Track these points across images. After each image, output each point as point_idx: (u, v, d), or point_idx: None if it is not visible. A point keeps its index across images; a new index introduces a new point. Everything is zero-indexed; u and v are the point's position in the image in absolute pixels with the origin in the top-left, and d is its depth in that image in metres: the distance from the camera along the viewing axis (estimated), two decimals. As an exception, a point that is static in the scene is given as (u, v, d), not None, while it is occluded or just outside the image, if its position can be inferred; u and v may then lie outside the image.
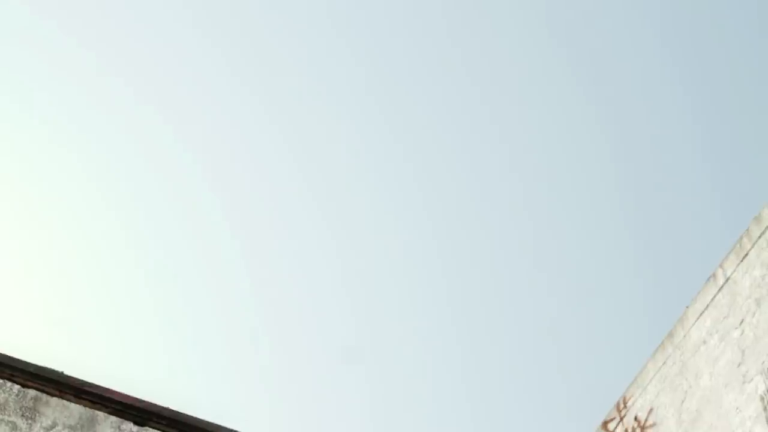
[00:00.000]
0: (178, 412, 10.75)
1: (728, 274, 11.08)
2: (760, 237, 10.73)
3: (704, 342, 11.14)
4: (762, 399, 9.86)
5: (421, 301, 30.09)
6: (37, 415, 10.07)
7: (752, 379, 10.10)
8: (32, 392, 10.20)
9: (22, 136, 26.94)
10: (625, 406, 12.43)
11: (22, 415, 10.01)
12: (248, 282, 29.51)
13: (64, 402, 10.30)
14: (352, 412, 28.84)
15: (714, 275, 11.31)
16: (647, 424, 11.78)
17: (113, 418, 10.38)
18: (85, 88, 28.29)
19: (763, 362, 10.02)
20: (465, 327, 29.77)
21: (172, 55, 29.11)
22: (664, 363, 11.80)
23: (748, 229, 10.98)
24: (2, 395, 10.28)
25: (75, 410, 10.27)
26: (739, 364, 10.40)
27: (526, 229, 29.67)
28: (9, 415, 10.17)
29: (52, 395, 10.28)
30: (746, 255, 10.87)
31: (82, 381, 10.52)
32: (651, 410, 11.81)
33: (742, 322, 10.59)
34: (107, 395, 10.54)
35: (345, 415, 28.47)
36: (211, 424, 10.85)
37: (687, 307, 11.69)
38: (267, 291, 29.74)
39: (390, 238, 30.10)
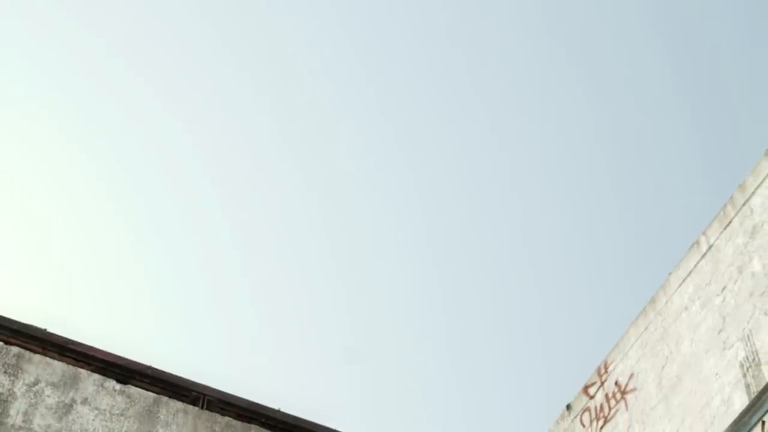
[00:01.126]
0: (160, 371, 10.77)
1: (711, 241, 11.12)
2: (743, 205, 10.76)
3: (686, 308, 11.20)
4: (742, 365, 9.93)
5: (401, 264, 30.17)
6: (20, 372, 10.07)
7: (732, 346, 10.17)
8: (15, 349, 10.19)
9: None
10: (606, 371, 12.50)
11: (5, 372, 10.01)
12: (230, 237, 29.48)
13: (47, 359, 10.30)
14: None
15: (697, 242, 11.36)
16: (627, 388, 11.86)
17: (96, 376, 10.40)
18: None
19: (744, 329, 10.08)
20: (450, 293, 29.86)
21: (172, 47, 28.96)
22: (646, 329, 11.87)
23: (731, 198, 11.02)
24: (-15, 352, 10.28)
25: (58, 367, 10.27)
26: (719, 331, 10.46)
27: (512, 197, 29.71)
28: (-8, 372, 10.17)
29: (35, 352, 10.28)
30: (729, 223, 10.91)
31: (66, 339, 10.52)
32: (632, 375, 11.88)
33: (723, 289, 10.64)
34: (90, 353, 10.55)
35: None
36: (194, 383, 10.88)
37: (670, 273, 11.74)
38: (249, 247, 29.73)
39: (382, 232, 30.16)
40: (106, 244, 28.52)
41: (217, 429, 10.59)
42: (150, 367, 10.75)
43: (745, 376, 9.83)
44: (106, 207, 28.51)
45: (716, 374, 10.28)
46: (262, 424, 10.92)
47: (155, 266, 28.64)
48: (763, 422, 9.37)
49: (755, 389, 9.59)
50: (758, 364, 9.69)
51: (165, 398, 10.58)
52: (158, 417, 10.37)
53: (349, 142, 29.73)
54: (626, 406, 11.77)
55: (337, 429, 11.33)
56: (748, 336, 9.98)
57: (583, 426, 12.59)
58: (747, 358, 9.88)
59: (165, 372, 10.81)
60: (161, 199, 29.07)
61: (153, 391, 10.59)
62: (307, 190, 29.65)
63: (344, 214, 30.12)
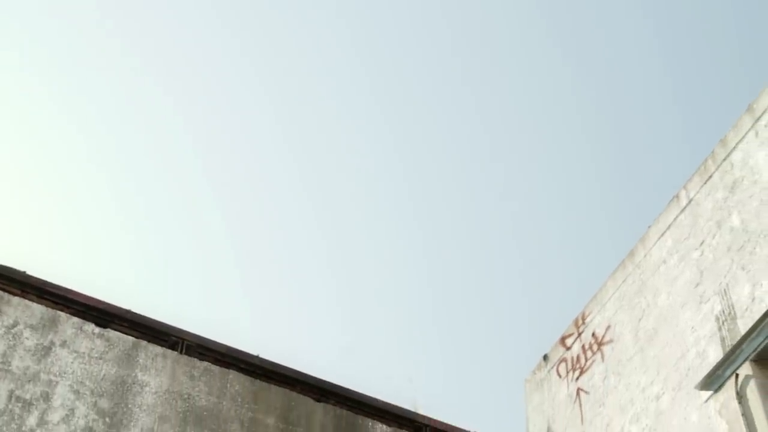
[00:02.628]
0: (139, 315, 10.80)
1: (691, 195, 11.15)
2: (724, 160, 10.78)
3: (664, 262, 11.26)
4: (717, 319, 10.01)
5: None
6: (-1, 313, 10.07)
7: (709, 300, 10.24)
8: (-6, 291, 10.19)
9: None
10: (583, 323, 12.58)
11: (-16, 314, 10.01)
12: (210, 183, 29.41)
13: (26, 302, 10.30)
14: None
15: (677, 196, 11.39)
16: (604, 340, 11.95)
17: (75, 319, 10.41)
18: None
19: (720, 283, 10.15)
20: (431, 242, 29.91)
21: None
22: (624, 281, 11.93)
23: (713, 152, 11.03)
24: (-37, 293, 10.25)
25: (37, 310, 10.27)
26: (697, 285, 10.53)
27: (492, 149, 29.67)
28: (-30, 313, 10.15)
29: (14, 294, 10.27)
30: (710, 177, 10.94)
31: (45, 281, 10.51)
32: (608, 327, 11.96)
33: (702, 243, 10.69)
34: (70, 296, 10.55)
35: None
36: (173, 328, 10.91)
37: (649, 227, 11.78)
38: (230, 192, 29.68)
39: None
40: (88, 188, 28.42)
41: (195, 374, 10.64)
42: (129, 311, 10.77)
43: (720, 329, 9.92)
44: (88, 152, 28.36)
45: (692, 327, 10.36)
46: (241, 370, 10.98)
47: (136, 210, 28.58)
48: (737, 375, 9.47)
49: (730, 342, 9.68)
50: (734, 318, 9.77)
51: (144, 342, 10.62)
52: (137, 361, 10.41)
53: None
54: (602, 357, 11.87)
55: (316, 375, 11.41)
56: (724, 290, 10.05)
57: (560, 376, 12.70)
58: (723, 311, 9.96)
59: (144, 316, 10.84)
60: (145, 146, 28.90)
61: (132, 335, 10.62)
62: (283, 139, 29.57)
63: (324, 163, 30.02)
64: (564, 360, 12.73)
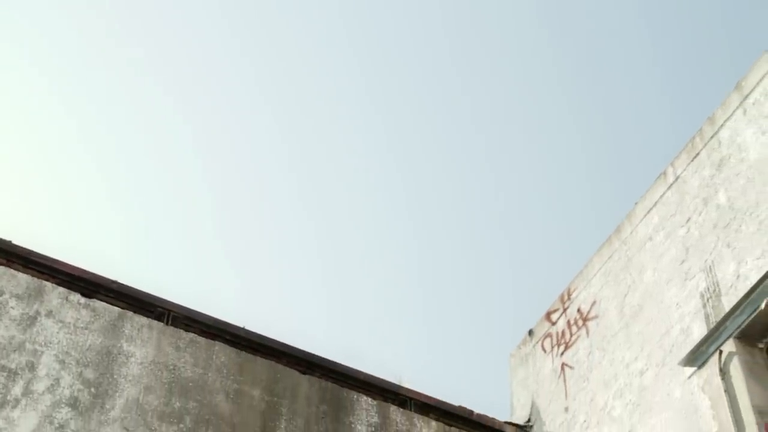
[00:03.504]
0: (126, 286, 10.79)
1: (678, 172, 11.18)
2: (711, 138, 10.80)
3: (650, 238, 11.29)
4: (702, 296, 10.06)
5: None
6: (-16, 282, 10.05)
7: (694, 276, 10.29)
8: (-21, 260, 10.16)
9: None
10: (569, 298, 12.63)
11: (-31, 283, 9.99)
12: (196, 151, 29.35)
13: (12, 271, 10.27)
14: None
15: (664, 173, 11.42)
16: (589, 316, 12.00)
17: (61, 289, 10.39)
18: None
19: (706, 260, 10.19)
20: (418, 216, 29.93)
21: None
22: (610, 257, 11.97)
23: (700, 130, 11.05)
24: (-51, 262, 10.23)
25: (23, 280, 10.25)
26: (682, 261, 10.57)
27: (479, 124, 29.66)
28: (-45, 282, 10.13)
29: (0, 264, 10.25)
30: (697, 155, 10.96)
31: (31, 251, 10.48)
32: (594, 303, 12.02)
33: (688, 220, 10.73)
34: (56, 266, 10.53)
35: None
36: (160, 299, 10.91)
37: (636, 203, 11.81)
38: (216, 162, 29.64)
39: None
40: (74, 157, 28.31)
41: (181, 345, 10.64)
42: (115, 282, 10.75)
43: (705, 306, 9.97)
44: (74, 122, 28.23)
45: (677, 304, 10.41)
46: (227, 342, 10.99)
47: (123, 181, 28.49)
48: (721, 351, 9.53)
49: (714, 319, 9.73)
50: (718, 295, 9.82)
51: (130, 313, 10.61)
52: (123, 331, 10.40)
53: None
54: (587, 332, 11.93)
55: (302, 348, 11.43)
56: (710, 267, 10.10)
57: (544, 351, 12.76)
58: (708, 288, 10.01)
59: (130, 287, 10.82)
60: (133, 118, 28.79)
61: (118, 306, 10.61)
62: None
63: (311, 136, 29.97)
64: (549, 335, 12.79)
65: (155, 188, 28.84)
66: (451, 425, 11.82)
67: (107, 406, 9.75)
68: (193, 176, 29.07)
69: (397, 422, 11.42)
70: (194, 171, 29.17)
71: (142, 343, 10.41)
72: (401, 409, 11.60)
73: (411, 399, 11.79)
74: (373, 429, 11.17)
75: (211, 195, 29.39)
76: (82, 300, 10.43)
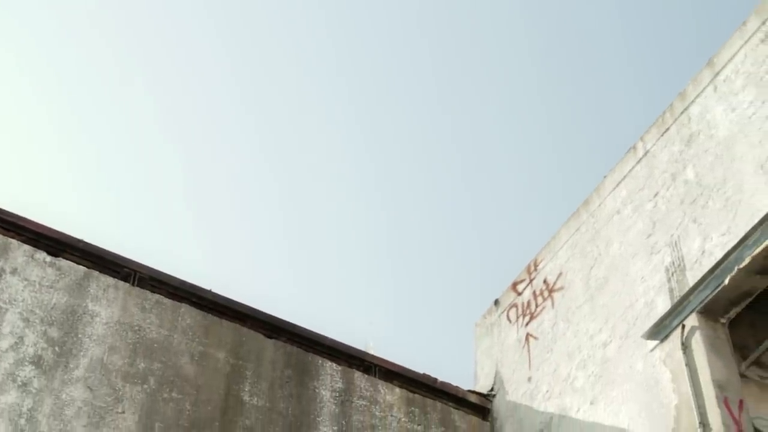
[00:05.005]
0: (92, 245, 10.72)
1: (648, 147, 11.23)
2: (682, 113, 10.85)
3: (618, 212, 11.35)
4: (667, 270, 10.14)
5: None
6: (-51, 238, 9.97)
7: (660, 251, 10.36)
8: (-56, 215, 10.07)
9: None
10: (535, 269, 12.69)
11: (-67, 238, 9.90)
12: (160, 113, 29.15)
13: (-23, 227, 10.19)
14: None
15: (634, 147, 11.46)
16: (555, 287, 12.07)
17: (26, 247, 10.32)
18: None
19: (672, 235, 10.26)
20: (384, 183, 29.92)
21: None
22: (578, 230, 12.03)
23: (671, 105, 11.10)
24: None
25: (-13, 236, 10.17)
26: (648, 236, 10.64)
27: (446, 89, 29.62)
28: None
29: (-35, 220, 10.16)
30: (667, 130, 11.01)
31: (-4, 208, 10.38)
32: (560, 274, 12.08)
33: (656, 195, 10.79)
34: (21, 223, 10.45)
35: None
36: (126, 259, 10.86)
37: (605, 176, 11.86)
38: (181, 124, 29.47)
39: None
40: (41, 114, 28.02)
41: (147, 306, 10.61)
42: (82, 241, 10.69)
43: (669, 280, 10.05)
44: (39, 78, 27.91)
45: (642, 277, 10.49)
46: (193, 304, 10.97)
47: (90, 141, 28.26)
48: (683, 326, 9.63)
49: (678, 294, 9.82)
50: (683, 270, 9.90)
51: (96, 273, 10.56)
52: (88, 291, 10.35)
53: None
54: (553, 304, 12.00)
55: (269, 312, 11.43)
56: (675, 242, 10.17)
57: (510, 321, 12.83)
58: (673, 263, 10.09)
59: (97, 246, 10.76)
60: (98, 77, 28.48)
61: (84, 265, 10.55)
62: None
63: (278, 101, 29.81)
64: (515, 305, 12.86)
65: (123, 149, 28.63)
66: (414, 392, 11.89)
67: (71, 365, 9.71)
68: (160, 139, 28.86)
69: (361, 388, 11.47)
70: (162, 134, 28.96)
71: (107, 303, 10.37)
72: (366, 375, 11.64)
73: (376, 365, 11.84)
74: (337, 394, 11.21)
75: (178, 158, 29.21)
76: (48, 258, 10.37)
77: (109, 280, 10.58)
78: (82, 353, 9.84)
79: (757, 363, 9.75)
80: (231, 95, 29.48)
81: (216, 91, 29.47)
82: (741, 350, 9.70)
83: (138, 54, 28.77)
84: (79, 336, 9.95)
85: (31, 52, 27.55)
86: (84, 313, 10.14)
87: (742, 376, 9.53)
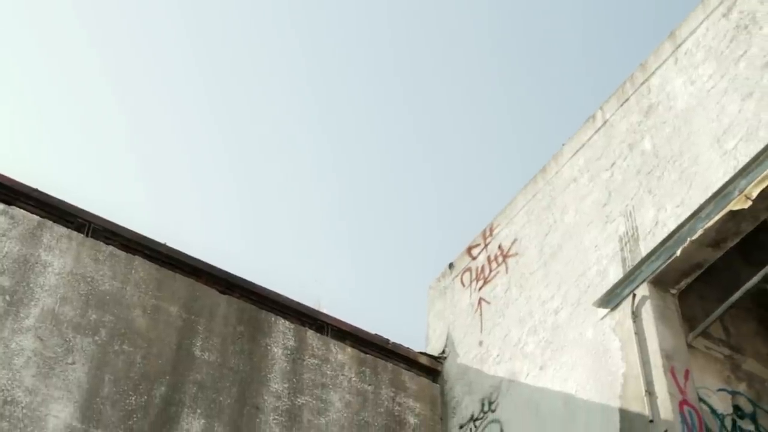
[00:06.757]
0: (46, 194, 10.62)
1: (607, 117, 11.29)
2: (642, 84, 10.91)
3: (575, 180, 11.42)
4: (621, 240, 10.23)
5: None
6: None
7: (614, 220, 10.45)
8: None
9: None
10: (490, 234, 12.76)
11: None
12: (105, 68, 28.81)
13: (-71, 172, 10.05)
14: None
15: (593, 116, 11.52)
16: (510, 253, 12.14)
17: (-21, 194, 10.20)
18: None
19: (627, 205, 10.35)
20: (339, 138, 29.84)
21: None
22: (534, 196, 12.09)
23: (631, 76, 11.15)
24: None
25: (-60, 182, 10.05)
26: (604, 205, 10.73)
27: (400, 55, 29.54)
28: None
29: None
30: (627, 100, 11.07)
31: (-51, 153, 10.23)
32: (515, 240, 12.15)
33: (613, 164, 10.86)
34: (-26, 170, 10.32)
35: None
36: (81, 210, 10.77)
37: (563, 144, 11.91)
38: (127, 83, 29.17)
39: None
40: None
41: (100, 257, 10.54)
42: (36, 190, 10.57)
43: (622, 250, 10.15)
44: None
45: (596, 246, 10.58)
46: (146, 257, 10.91)
47: (42, 88, 27.88)
48: (634, 295, 9.74)
49: (630, 263, 9.92)
50: (636, 240, 10.00)
51: (50, 222, 10.46)
52: (41, 240, 10.26)
53: None
54: (506, 269, 12.08)
55: (223, 268, 11.40)
56: (630, 212, 10.26)
57: (463, 285, 12.90)
58: (626, 233, 10.18)
59: (51, 196, 10.65)
60: (37, 23, 27.91)
61: (38, 215, 10.45)
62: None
63: (225, 49, 29.49)
64: (469, 269, 12.93)
65: (66, 99, 28.14)
66: (366, 353, 11.94)
67: (21, 315, 9.64)
68: (106, 89, 28.42)
69: (313, 347, 11.50)
70: (109, 84, 28.51)
71: (60, 253, 10.29)
72: (318, 334, 11.67)
73: (328, 324, 11.87)
74: (289, 352, 11.23)
75: (125, 108, 28.84)
76: (1, 206, 10.25)
77: (63, 231, 10.48)
78: (33, 303, 9.77)
79: (705, 334, 9.89)
80: (183, 48, 29.12)
81: (165, 43, 29.09)
82: (689, 321, 9.83)
83: (83, 3, 28.28)
84: (31, 286, 9.87)
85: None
86: (36, 263, 10.05)
87: (690, 346, 9.66)
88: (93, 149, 28.02)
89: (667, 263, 9.59)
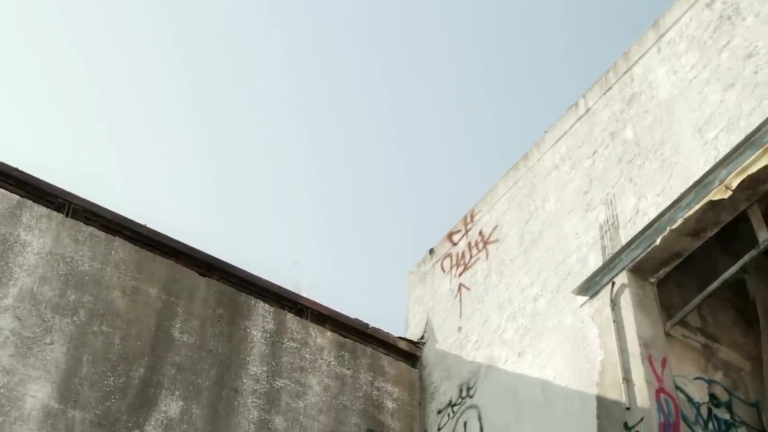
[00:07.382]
0: (26, 174, 10.57)
1: (590, 105, 11.32)
2: (625, 73, 10.94)
3: (556, 167, 11.44)
4: (601, 228, 10.26)
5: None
6: None
7: (595, 208, 10.48)
8: None
9: None
10: (471, 221, 12.78)
11: None
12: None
13: None
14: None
15: (576, 104, 11.54)
16: (490, 239, 12.17)
17: (-42, 172, 10.15)
18: None
19: (608, 193, 10.38)
20: (319, 120, 29.75)
21: None
22: (515, 183, 12.11)
23: (614, 64, 11.18)
24: None
25: None
26: (585, 193, 10.76)
27: (381, 45, 29.49)
28: None
29: None
30: (609, 89, 11.10)
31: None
32: (496, 227, 12.18)
33: (594, 153, 10.89)
34: (-46, 148, 10.24)
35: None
36: (61, 190, 10.73)
37: (546, 132, 11.93)
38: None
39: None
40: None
41: (80, 238, 10.50)
42: (16, 169, 10.52)
43: (602, 238, 10.19)
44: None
45: (576, 234, 10.61)
46: (126, 238, 10.88)
47: (30, 70, 27.71)
48: (613, 283, 9.77)
49: (610, 251, 9.96)
50: (616, 228, 10.04)
51: (29, 202, 10.41)
52: (21, 220, 10.22)
53: None
54: (487, 255, 12.10)
55: (203, 250, 11.38)
56: (611, 200, 10.29)
57: (443, 271, 12.93)
58: (607, 221, 10.22)
59: (31, 175, 10.60)
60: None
61: (17, 194, 10.40)
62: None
63: (203, 29, 29.35)
64: (449, 255, 12.95)
65: (37, 74, 27.88)
66: (345, 337, 11.95)
67: (0, 294, 9.60)
68: (77, 62, 28.17)
69: (292, 330, 11.50)
70: (82, 62, 28.27)
71: (40, 233, 10.25)
72: (297, 318, 11.68)
73: (308, 308, 11.87)
74: (269, 335, 11.23)
75: (103, 89, 28.68)
76: (-20, 185, 10.20)
77: (43, 210, 10.44)
78: (11, 282, 9.73)
79: (682, 323, 9.94)
80: (158, 30, 28.93)
81: (142, 26, 28.88)
82: (667, 310, 9.88)
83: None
84: (10, 265, 9.83)
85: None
86: (15, 242, 10.01)
87: (667, 335, 9.71)
88: (72, 130, 27.86)
89: (646, 252, 9.63)
